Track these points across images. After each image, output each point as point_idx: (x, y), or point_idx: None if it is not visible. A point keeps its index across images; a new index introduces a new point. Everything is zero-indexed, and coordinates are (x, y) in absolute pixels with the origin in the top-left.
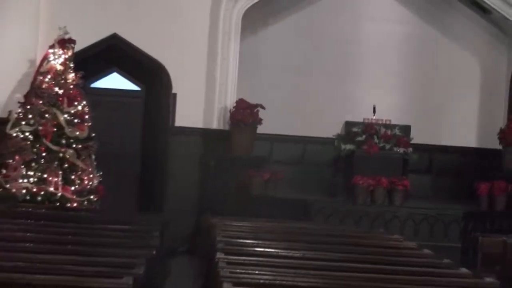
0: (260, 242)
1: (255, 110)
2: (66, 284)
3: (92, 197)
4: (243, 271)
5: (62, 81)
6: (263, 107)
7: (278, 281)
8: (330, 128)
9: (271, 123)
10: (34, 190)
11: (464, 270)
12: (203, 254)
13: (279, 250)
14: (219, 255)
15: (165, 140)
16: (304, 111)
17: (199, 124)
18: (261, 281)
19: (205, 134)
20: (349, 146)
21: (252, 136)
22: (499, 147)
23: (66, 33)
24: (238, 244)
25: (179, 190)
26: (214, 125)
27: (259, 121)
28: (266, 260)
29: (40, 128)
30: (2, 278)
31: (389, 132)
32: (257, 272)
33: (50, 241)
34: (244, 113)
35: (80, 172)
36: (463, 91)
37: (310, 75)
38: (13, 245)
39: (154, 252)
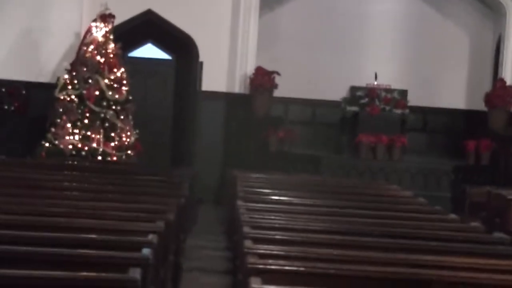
0: (275, 191)
1: (272, 77)
2: (107, 228)
3: (129, 152)
4: (261, 216)
5: (104, 51)
6: (278, 74)
7: (291, 225)
8: (337, 93)
9: (286, 88)
10: (79, 146)
11: (453, 216)
12: (227, 202)
13: (292, 199)
14: (240, 202)
15: (193, 103)
16: (315, 77)
17: (223, 89)
18: (276, 225)
19: (228, 97)
20: (353, 108)
21: (269, 99)
22: (485, 109)
23: (107, 9)
24: (256, 193)
25: (207, 147)
26: (236, 89)
27: (275, 86)
28: (280, 207)
29: (84, 92)
30: (50, 222)
31: (388, 96)
32: (272, 217)
33: (93, 190)
34: (262, 79)
35: (119, 131)
36: (455, 60)
37: (320, 46)
38: (61, 193)
39: (183, 200)
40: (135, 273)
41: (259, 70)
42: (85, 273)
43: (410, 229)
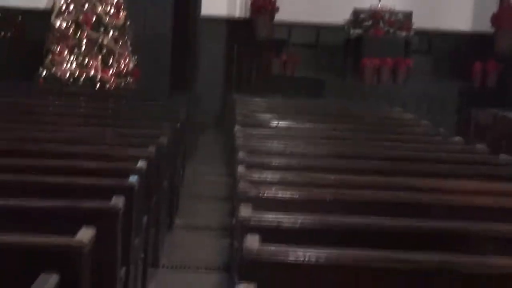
0: (275, 116)
1: None
2: (98, 153)
3: (128, 78)
4: (258, 141)
5: None
6: None
7: (288, 150)
8: (340, 15)
9: (288, 11)
10: (77, 73)
11: (458, 138)
12: (227, 127)
13: (293, 123)
14: (237, 127)
15: (193, 27)
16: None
17: (224, 13)
18: (273, 150)
19: (229, 21)
20: (357, 31)
21: (270, 22)
22: (492, 30)
23: None
24: (255, 117)
25: (208, 72)
26: (237, 13)
27: (277, 9)
28: (279, 132)
29: (81, 17)
30: (50, 148)
31: (393, 18)
32: (270, 142)
33: (88, 115)
34: (263, 2)
35: (117, 56)
36: None
37: None
38: (62, 119)
39: (179, 125)
40: (118, 201)
41: None
42: (65, 201)
43: (412, 152)
